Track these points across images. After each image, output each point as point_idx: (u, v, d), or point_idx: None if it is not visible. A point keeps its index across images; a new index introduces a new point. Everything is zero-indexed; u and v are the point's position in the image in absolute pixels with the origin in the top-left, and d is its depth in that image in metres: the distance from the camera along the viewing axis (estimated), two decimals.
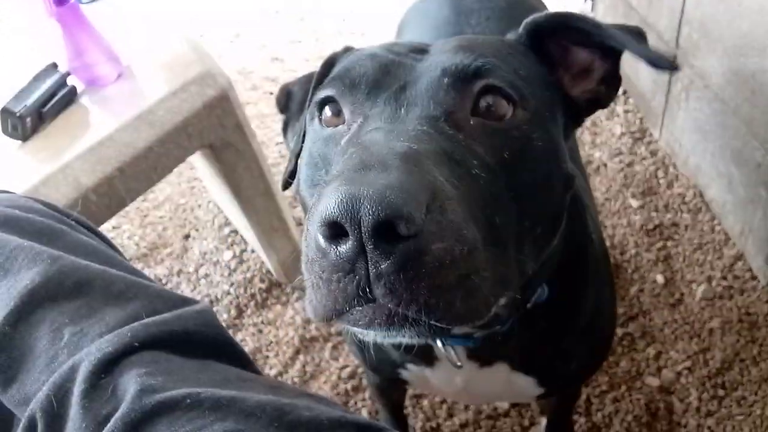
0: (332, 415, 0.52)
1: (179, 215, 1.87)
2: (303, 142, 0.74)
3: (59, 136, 1.15)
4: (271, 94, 2.23)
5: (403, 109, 0.61)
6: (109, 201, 1.14)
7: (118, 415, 0.51)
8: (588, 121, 0.79)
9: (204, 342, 0.62)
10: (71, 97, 1.20)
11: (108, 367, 0.55)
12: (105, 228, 1.77)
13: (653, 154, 1.83)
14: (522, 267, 0.62)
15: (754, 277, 1.53)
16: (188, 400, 0.51)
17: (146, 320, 0.60)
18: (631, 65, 1.92)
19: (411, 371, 0.92)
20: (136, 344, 0.57)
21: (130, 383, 0.53)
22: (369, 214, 0.45)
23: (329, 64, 0.76)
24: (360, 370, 1.47)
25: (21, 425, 0.55)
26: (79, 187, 1.09)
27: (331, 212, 0.46)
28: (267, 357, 1.53)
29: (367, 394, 1.44)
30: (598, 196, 1.74)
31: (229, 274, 1.69)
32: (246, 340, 1.56)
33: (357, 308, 0.50)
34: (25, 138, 1.14)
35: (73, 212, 0.77)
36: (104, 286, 0.64)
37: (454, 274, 0.49)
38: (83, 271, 0.64)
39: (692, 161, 1.71)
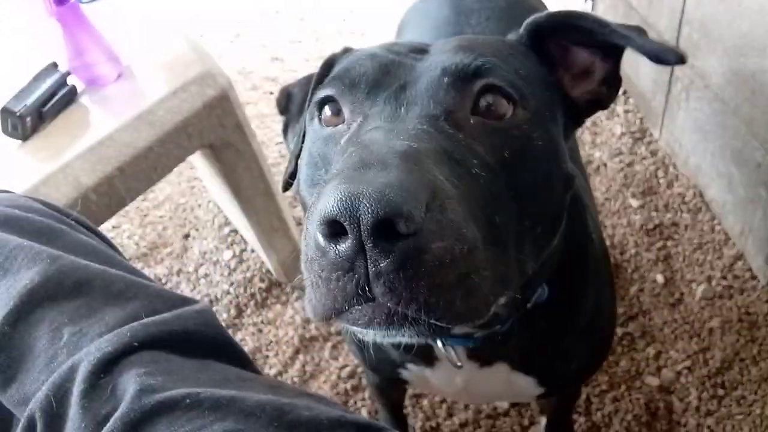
0: (332, 414, 0.52)
1: (179, 215, 1.87)
2: (303, 142, 0.74)
3: (59, 136, 1.15)
4: (271, 94, 2.23)
5: (403, 108, 0.61)
6: (109, 200, 1.14)
7: (117, 414, 0.51)
8: (588, 121, 0.78)
9: (203, 342, 0.62)
10: (71, 96, 1.20)
11: (107, 367, 0.55)
12: (105, 227, 1.77)
13: (653, 153, 1.83)
14: (522, 266, 0.62)
15: (753, 277, 1.53)
16: (188, 400, 0.51)
17: (146, 320, 0.60)
18: (631, 65, 1.92)
19: (411, 371, 0.92)
20: (136, 344, 0.57)
21: (129, 383, 0.53)
22: (368, 213, 0.45)
23: (328, 64, 0.76)
24: (359, 369, 1.47)
25: (20, 425, 0.55)
26: (79, 186, 1.09)
27: (331, 211, 0.46)
28: (267, 356, 1.53)
29: (366, 394, 1.44)
30: (598, 196, 1.74)
31: (229, 274, 1.69)
32: (246, 339, 1.56)
33: (356, 307, 0.50)
34: (25, 137, 1.14)
35: (72, 212, 0.77)
36: (104, 286, 0.64)
37: (454, 273, 0.49)
38: (83, 271, 0.64)
39: (692, 161, 1.71)
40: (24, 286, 0.62)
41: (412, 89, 0.62)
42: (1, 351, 0.60)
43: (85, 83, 1.23)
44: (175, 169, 1.32)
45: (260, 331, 1.58)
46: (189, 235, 1.81)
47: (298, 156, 0.76)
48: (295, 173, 0.76)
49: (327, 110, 0.67)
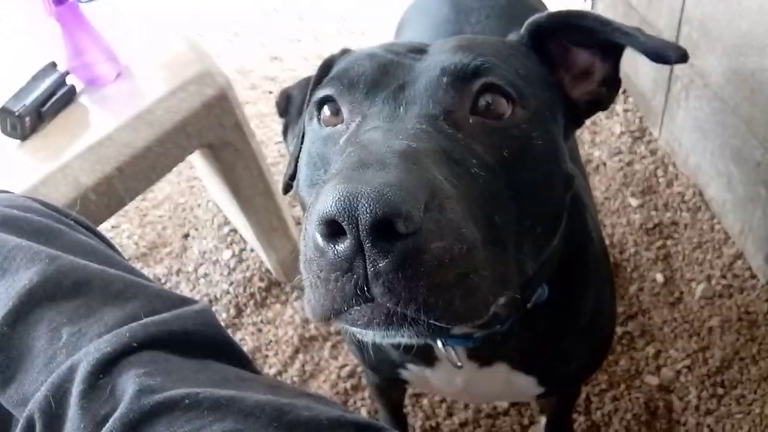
0: (331, 414, 0.52)
1: (178, 214, 1.86)
2: (302, 143, 0.73)
3: (58, 136, 1.15)
4: (271, 93, 2.23)
5: (401, 108, 0.61)
6: (108, 200, 1.14)
7: (116, 415, 0.51)
8: (587, 120, 0.78)
9: (203, 342, 0.62)
10: (70, 96, 1.20)
11: (106, 368, 0.55)
12: (104, 227, 1.77)
13: (653, 153, 1.83)
14: (522, 267, 0.61)
15: (753, 276, 1.53)
16: (187, 401, 0.51)
17: (145, 320, 0.60)
18: (630, 64, 1.92)
19: (411, 371, 0.92)
20: (135, 344, 0.57)
21: (128, 383, 0.53)
22: (366, 212, 0.45)
23: (327, 66, 0.76)
24: (359, 369, 1.47)
25: (19, 426, 0.55)
26: (79, 186, 1.09)
27: (329, 210, 0.46)
28: (266, 356, 1.53)
29: (366, 393, 1.44)
30: (597, 195, 1.74)
31: (229, 274, 1.69)
32: (245, 339, 1.56)
33: (355, 308, 0.50)
34: (24, 137, 1.14)
35: (71, 212, 0.77)
36: (103, 286, 0.63)
37: (453, 273, 0.49)
38: (82, 271, 0.64)
39: (692, 160, 1.71)
40: (23, 286, 0.62)
41: (410, 89, 0.62)
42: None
43: (84, 83, 1.23)
44: (175, 169, 1.32)
45: (260, 330, 1.58)
46: (188, 235, 1.81)
47: (297, 158, 0.76)
48: (295, 175, 0.75)
49: (326, 110, 0.67)
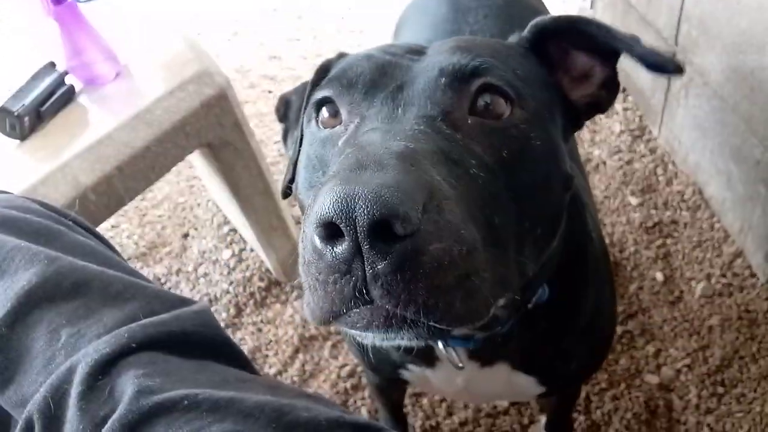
0: (330, 415, 0.52)
1: (178, 214, 1.86)
2: (300, 146, 0.73)
3: (58, 135, 1.15)
4: (270, 92, 2.23)
5: (400, 109, 0.60)
6: (107, 200, 1.14)
7: (115, 416, 0.51)
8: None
9: (202, 342, 0.62)
10: (69, 96, 1.20)
11: (105, 369, 0.55)
12: (104, 227, 1.77)
13: (652, 151, 1.83)
14: (522, 268, 0.61)
15: (753, 275, 1.53)
16: (186, 402, 0.51)
17: (144, 321, 0.60)
18: (630, 63, 1.92)
19: (411, 371, 0.92)
20: (134, 345, 0.57)
21: (127, 384, 0.53)
22: (364, 214, 0.44)
23: (324, 69, 0.76)
24: (359, 368, 1.46)
25: (18, 427, 0.55)
26: (78, 186, 1.09)
27: (326, 212, 0.46)
28: (266, 356, 1.53)
29: (366, 393, 1.44)
30: (597, 194, 1.73)
31: (228, 273, 1.69)
32: (245, 338, 1.56)
33: (354, 310, 0.50)
34: (23, 137, 1.14)
35: (70, 212, 0.77)
36: (102, 287, 0.63)
37: (453, 275, 0.49)
38: (81, 272, 0.64)
39: (691, 158, 1.71)
40: (22, 287, 0.61)
41: (409, 90, 0.62)
42: None
43: (83, 82, 1.23)
44: (174, 169, 1.32)
45: (260, 330, 1.58)
46: (188, 235, 1.81)
47: (296, 162, 0.76)
48: (294, 179, 0.75)
49: (324, 112, 0.67)
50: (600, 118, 1.94)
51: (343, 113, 0.65)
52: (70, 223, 0.75)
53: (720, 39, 1.44)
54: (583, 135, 1.89)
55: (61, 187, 1.08)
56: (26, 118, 1.13)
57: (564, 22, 0.71)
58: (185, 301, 0.66)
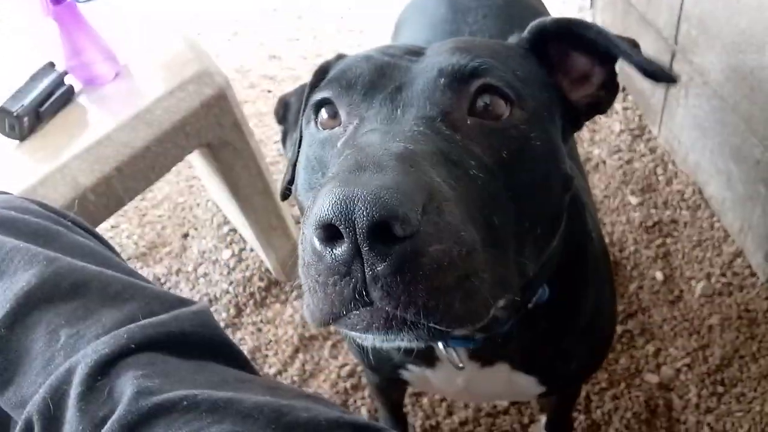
0: (330, 415, 0.52)
1: (178, 214, 1.86)
2: (299, 147, 0.73)
3: (57, 136, 1.15)
4: (269, 92, 2.23)
5: (399, 110, 0.60)
6: (107, 200, 1.14)
7: (114, 417, 0.51)
8: None
9: (201, 343, 0.62)
10: (69, 96, 1.20)
11: (104, 369, 0.55)
12: (103, 227, 1.77)
13: (652, 151, 1.83)
14: (522, 269, 0.61)
15: (753, 274, 1.53)
16: (185, 402, 0.51)
17: (143, 321, 0.60)
18: None
19: (411, 372, 0.92)
20: (133, 346, 0.57)
21: (126, 385, 0.53)
22: (363, 216, 0.44)
23: (322, 71, 0.76)
24: (359, 368, 1.47)
25: (18, 428, 0.55)
26: (77, 186, 1.09)
27: (326, 214, 0.45)
28: (266, 356, 1.53)
29: (366, 393, 1.44)
30: (597, 194, 1.73)
31: (228, 273, 1.69)
32: (245, 338, 1.56)
33: (354, 312, 0.49)
34: (22, 138, 1.14)
35: (69, 213, 0.77)
36: (101, 288, 0.63)
37: (453, 276, 0.48)
38: (80, 273, 0.64)
39: (691, 158, 1.71)
40: (21, 288, 0.61)
41: (408, 91, 0.62)
42: None
43: (82, 83, 1.23)
44: (174, 169, 1.32)
45: (260, 330, 1.58)
46: (188, 235, 1.81)
47: (295, 163, 0.76)
48: (293, 180, 0.75)
49: (323, 113, 0.67)
50: (600, 117, 1.92)
51: (342, 114, 0.65)
52: (69, 223, 0.75)
53: (720, 38, 1.44)
54: (583, 134, 1.89)
55: (60, 187, 1.08)
56: (25, 119, 1.13)
57: (564, 25, 0.71)
58: (184, 302, 0.66)
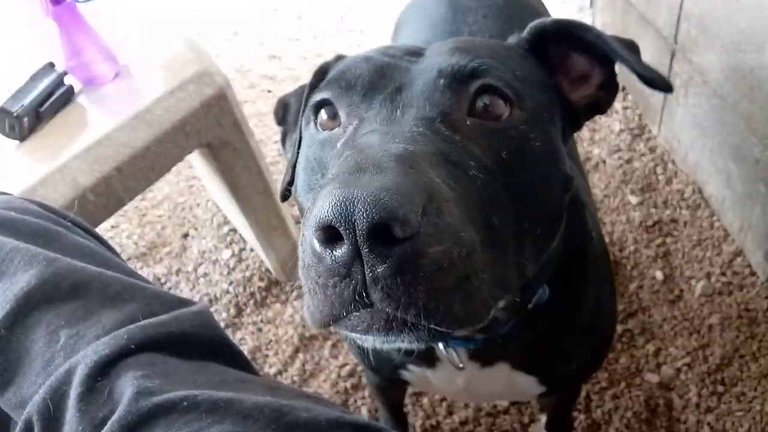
0: (330, 415, 0.52)
1: (178, 214, 1.86)
2: (299, 148, 0.73)
3: (57, 136, 1.15)
4: (269, 92, 2.22)
5: (398, 111, 0.60)
6: (107, 200, 1.14)
7: (114, 418, 0.51)
8: None
9: (201, 343, 0.62)
10: (68, 96, 1.20)
11: (104, 370, 0.55)
12: (103, 227, 1.77)
13: (652, 150, 1.83)
14: (522, 269, 0.61)
15: (753, 273, 1.53)
16: (185, 403, 0.51)
17: (143, 322, 0.60)
18: None
19: (412, 372, 0.92)
20: (133, 346, 0.57)
21: (126, 386, 0.53)
22: (363, 217, 0.44)
23: (321, 72, 0.75)
24: (359, 368, 1.47)
25: (17, 429, 0.55)
26: (77, 186, 1.09)
27: (325, 216, 0.45)
28: (266, 356, 1.53)
29: (366, 393, 1.44)
30: (596, 193, 1.73)
31: (228, 273, 1.69)
32: (245, 338, 1.56)
33: (354, 313, 0.49)
34: (22, 138, 1.14)
35: (69, 213, 0.77)
36: (101, 288, 0.63)
37: (453, 277, 0.48)
38: (80, 273, 0.64)
39: (691, 157, 1.71)
40: (20, 288, 0.61)
41: (407, 91, 0.62)
42: None
43: (82, 83, 1.23)
44: (174, 169, 1.32)
45: (260, 330, 1.58)
46: (188, 235, 1.81)
47: (295, 164, 0.76)
48: (293, 181, 0.75)
49: (323, 114, 0.67)
50: (599, 116, 1.93)
51: (342, 115, 0.65)
52: (69, 224, 0.75)
53: (719, 38, 1.44)
54: (583, 134, 1.89)
55: (60, 187, 1.08)
56: (25, 119, 1.13)
57: (564, 26, 0.71)
58: (184, 302, 0.66)
